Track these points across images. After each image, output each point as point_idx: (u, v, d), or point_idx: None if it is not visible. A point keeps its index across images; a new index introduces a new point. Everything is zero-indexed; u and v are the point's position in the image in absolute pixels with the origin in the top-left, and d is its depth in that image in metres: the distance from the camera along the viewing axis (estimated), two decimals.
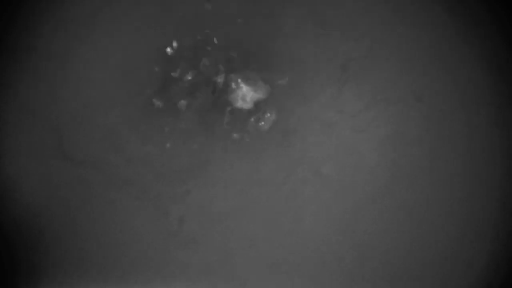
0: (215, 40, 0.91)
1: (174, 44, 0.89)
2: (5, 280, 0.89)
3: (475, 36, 0.92)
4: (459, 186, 0.91)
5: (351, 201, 0.91)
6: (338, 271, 0.91)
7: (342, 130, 0.92)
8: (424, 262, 0.91)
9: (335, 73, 0.92)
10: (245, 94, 0.89)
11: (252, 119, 0.90)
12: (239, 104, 0.90)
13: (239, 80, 0.90)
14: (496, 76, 0.92)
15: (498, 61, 0.92)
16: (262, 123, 0.89)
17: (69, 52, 0.91)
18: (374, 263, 0.91)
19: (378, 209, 0.91)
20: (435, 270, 0.91)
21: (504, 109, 0.92)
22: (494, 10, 0.92)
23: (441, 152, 0.92)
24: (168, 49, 0.90)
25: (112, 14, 0.92)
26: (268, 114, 0.90)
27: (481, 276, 0.90)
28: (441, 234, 0.91)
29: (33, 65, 0.91)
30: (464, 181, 0.91)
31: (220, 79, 0.90)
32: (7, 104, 0.91)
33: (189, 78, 0.90)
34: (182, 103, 0.90)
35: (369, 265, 0.91)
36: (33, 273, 0.90)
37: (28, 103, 0.91)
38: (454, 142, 0.92)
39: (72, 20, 0.92)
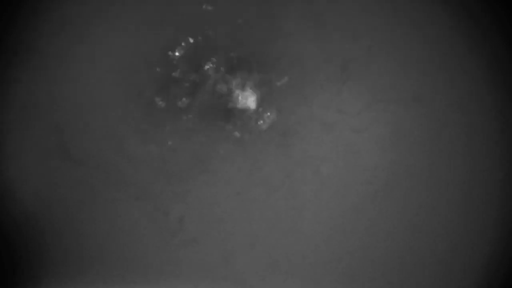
0: (212, 39, 0.91)
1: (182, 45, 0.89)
2: (5, 280, 0.89)
3: (475, 36, 0.92)
4: (459, 186, 0.91)
5: (351, 201, 0.91)
6: (339, 271, 0.91)
7: (342, 130, 0.92)
8: (425, 262, 0.91)
9: (335, 73, 0.92)
10: (245, 94, 0.89)
11: (252, 119, 0.90)
12: (239, 104, 0.90)
13: (240, 81, 0.90)
14: (496, 76, 0.92)
15: (498, 61, 0.92)
16: (262, 122, 0.90)
17: (70, 52, 0.91)
18: (374, 263, 0.91)
19: (378, 209, 0.91)
20: (435, 270, 0.91)
21: (504, 109, 0.92)
22: (494, 10, 0.92)
23: (441, 152, 0.92)
24: (170, 52, 0.90)
25: (113, 13, 0.92)
26: (268, 114, 0.90)
27: (482, 276, 0.91)
28: (442, 234, 0.91)
29: (33, 65, 0.91)
30: (464, 181, 0.91)
31: (220, 79, 0.90)
32: (7, 104, 0.91)
33: (190, 77, 0.90)
34: (183, 102, 0.90)
35: (370, 265, 0.91)
36: (33, 273, 0.90)
37: (28, 102, 0.91)
38: (454, 142, 0.92)
39: (73, 20, 0.92)
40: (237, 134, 0.90)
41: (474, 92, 0.92)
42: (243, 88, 0.90)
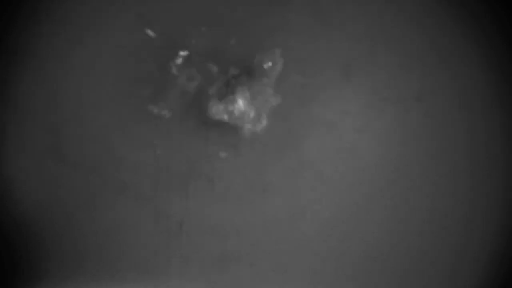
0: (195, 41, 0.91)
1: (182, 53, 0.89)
2: (5, 280, 0.89)
3: (475, 36, 0.92)
4: (459, 186, 0.91)
5: (352, 201, 0.91)
6: (339, 271, 0.91)
7: (342, 130, 0.92)
8: (425, 262, 0.91)
9: (336, 73, 0.92)
10: (245, 95, 0.89)
11: (253, 119, 0.90)
12: (239, 105, 0.90)
13: (239, 82, 0.90)
14: (496, 75, 0.92)
15: (498, 61, 0.92)
16: (261, 124, 0.89)
17: (68, 54, 0.91)
18: (374, 262, 0.91)
19: (378, 209, 0.91)
20: (435, 270, 0.91)
21: (504, 109, 0.92)
22: (494, 10, 0.92)
23: (441, 151, 0.92)
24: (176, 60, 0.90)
25: (111, 15, 0.92)
26: (266, 116, 0.89)
27: (482, 276, 0.90)
28: (442, 234, 0.91)
29: (32, 67, 0.91)
30: (464, 181, 0.91)
31: (218, 82, 0.90)
32: (7, 106, 0.91)
33: (186, 81, 0.89)
34: (180, 107, 0.90)
35: (370, 265, 0.91)
36: (33, 273, 0.90)
37: (27, 105, 0.91)
38: (454, 141, 0.92)
39: (71, 22, 0.92)
40: (237, 134, 0.90)
41: (475, 91, 0.92)
42: (241, 90, 0.89)
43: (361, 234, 0.91)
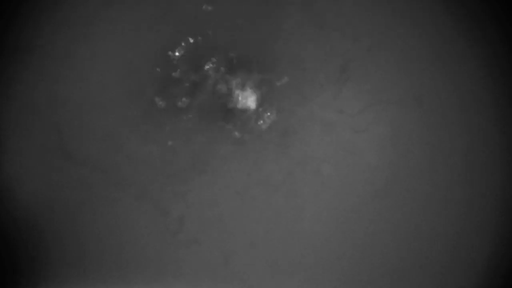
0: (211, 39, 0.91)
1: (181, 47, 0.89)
2: (5, 280, 0.89)
3: (475, 36, 0.92)
4: (459, 186, 0.91)
5: (351, 201, 0.91)
6: (338, 271, 0.91)
7: (342, 130, 0.92)
8: (424, 262, 0.91)
9: (334, 73, 0.92)
10: (245, 94, 0.89)
11: (252, 119, 0.90)
12: (239, 104, 0.90)
13: (239, 81, 0.90)
14: (496, 76, 0.92)
15: (498, 61, 0.92)
16: (262, 122, 0.89)
17: (70, 52, 0.91)
18: (374, 263, 0.91)
19: (378, 209, 0.91)
20: (435, 270, 0.91)
21: (504, 109, 0.92)
22: (494, 10, 0.92)
23: (441, 152, 0.92)
24: (170, 52, 0.90)
25: (113, 14, 0.92)
26: (268, 114, 0.90)
27: (482, 276, 0.90)
28: (441, 235, 0.91)
29: (33, 65, 0.91)
30: (464, 182, 0.91)
31: (220, 80, 0.90)
32: (8, 104, 0.91)
33: (190, 77, 0.90)
34: (183, 103, 0.90)
35: (369, 265, 0.91)
36: (33, 273, 0.90)
37: (29, 103, 0.91)
38: (454, 142, 0.92)
39: (73, 20, 0.92)
40: (236, 134, 0.90)
41: (474, 92, 0.92)
42: (243, 88, 0.90)
43: (361, 234, 0.91)
